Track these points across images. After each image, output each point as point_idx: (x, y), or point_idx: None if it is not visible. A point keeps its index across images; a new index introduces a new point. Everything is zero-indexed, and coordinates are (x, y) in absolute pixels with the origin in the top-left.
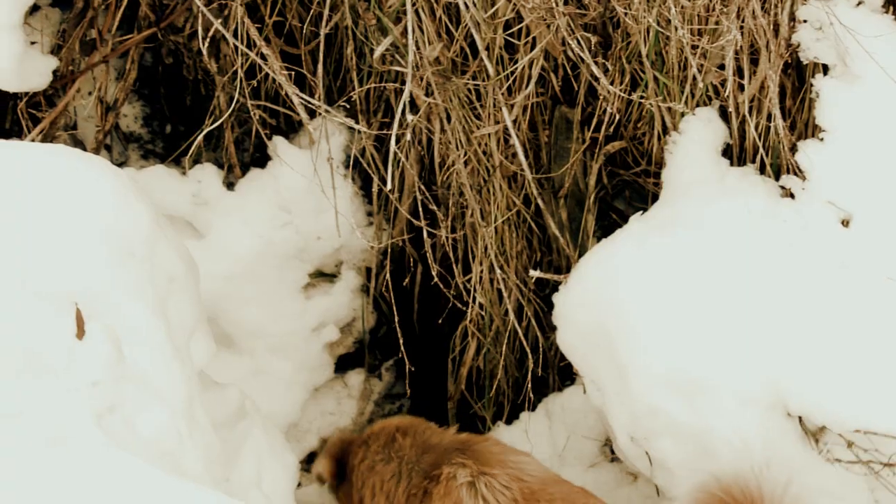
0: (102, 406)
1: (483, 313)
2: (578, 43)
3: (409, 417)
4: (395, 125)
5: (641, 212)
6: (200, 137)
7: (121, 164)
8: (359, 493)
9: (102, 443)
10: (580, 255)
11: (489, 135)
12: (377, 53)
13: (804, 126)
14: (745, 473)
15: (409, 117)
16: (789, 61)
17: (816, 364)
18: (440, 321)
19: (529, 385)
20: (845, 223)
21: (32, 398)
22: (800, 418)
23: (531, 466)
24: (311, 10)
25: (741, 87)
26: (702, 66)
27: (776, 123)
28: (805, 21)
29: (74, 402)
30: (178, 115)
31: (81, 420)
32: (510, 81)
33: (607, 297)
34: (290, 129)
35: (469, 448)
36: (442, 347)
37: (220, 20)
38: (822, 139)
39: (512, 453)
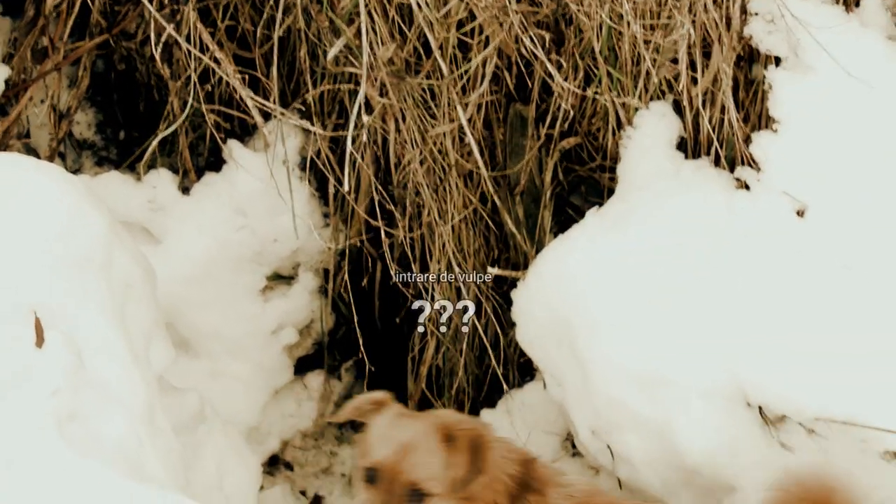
0: (63, 414)
1: (442, 311)
2: (532, 40)
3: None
4: (351, 126)
5: (597, 207)
6: (155, 143)
7: (75, 172)
8: None
9: (64, 450)
10: (537, 252)
11: (444, 134)
12: (331, 55)
13: (757, 118)
14: (824, 473)
15: (364, 118)
16: (742, 54)
17: (775, 353)
18: (399, 321)
19: (489, 382)
20: (800, 213)
21: None
22: (760, 408)
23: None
24: (264, 14)
25: (694, 81)
26: (655, 60)
27: (730, 116)
28: (756, 13)
29: (36, 410)
30: (131, 121)
31: (43, 428)
32: (464, 80)
33: (566, 292)
34: (245, 132)
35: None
36: (401, 347)
37: (172, 25)
38: (775, 130)
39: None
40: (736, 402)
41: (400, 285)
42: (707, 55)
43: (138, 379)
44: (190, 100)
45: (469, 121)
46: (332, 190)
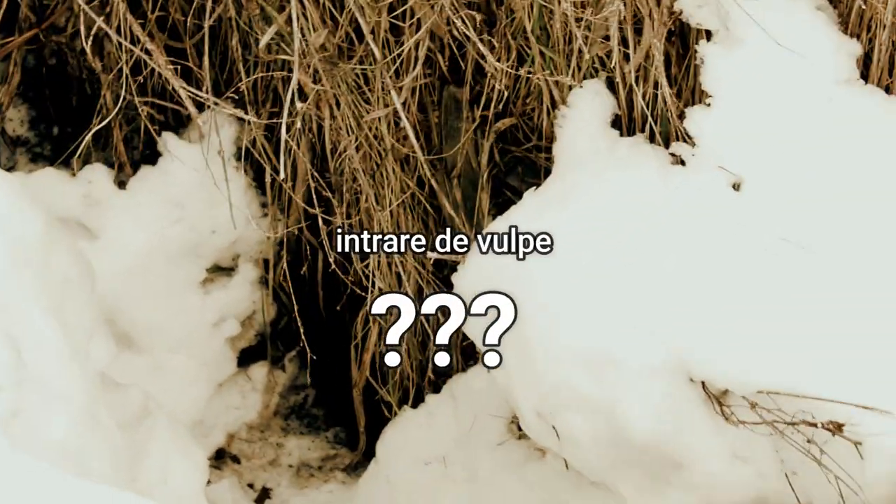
0: (6, 411)
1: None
2: (463, 21)
3: None
4: (285, 114)
5: (535, 187)
6: (89, 137)
7: (9, 169)
8: None
9: (8, 448)
10: (476, 234)
11: (379, 118)
12: (262, 43)
13: (690, 93)
14: None
15: (298, 105)
16: (673, 29)
17: (716, 328)
18: (341, 309)
19: (433, 367)
20: (736, 187)
21: None
22: (703, 383)
23: None
24: (194, 3)
25: (627, 58)
26: (587, 38)
27: (663, 91)
28: None
29: None
30: (64, 116)
31: None
32: (397, 64)
33: (506, 274)
34: (179, 124)
35: None
36: (344, 335)
37: (102, 18)
38: (708, 105)
39: None
40: (679, 378)
41: (339, 273)
42: (639, 31)
43: (79, 376)
44: (123, 92)
45: (404, 105)
46: (268, 179)
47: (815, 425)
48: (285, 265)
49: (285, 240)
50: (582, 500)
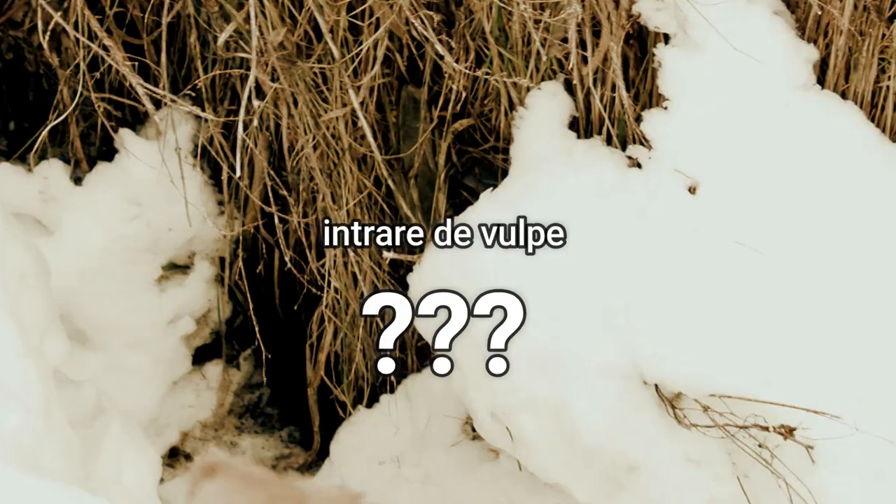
0: None
1: (339, 297)
2: (422, 22)
3: None
4: (242, 112)
5: (492, 188)
6: (45, 133)
7: None
8: None
9: None
10: (433, 235)
11: (337, 118)
12: (221, 40)
13: (648, 96)
14: None
15: (256, 103)
16: (631, 32)
17: (669, 331)
18: (297, 308)
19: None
20: (692, 190)
21: None
22: (656, 386)
23: None
24: (152, 0)
25: (585, 60)
26: (545, 40)
27: (620, 94)
28: None
29: None
30: (21, 111)
31: None
32: (356, 63)
33: (461, 275)
34: (137, 120)
35: None
36: (300, 334)
37: (59, 13)
38: (666, 108)
39: None
40: (633, 380)
41: (295, 272)
42: (597, 34)
43: (33, 373)
44: (80, 88)
45: (362, 104)
46: (225, 177)
47: (766, 429)
48: (241, 263)
49: (241, 238)
50: (535, 502)
